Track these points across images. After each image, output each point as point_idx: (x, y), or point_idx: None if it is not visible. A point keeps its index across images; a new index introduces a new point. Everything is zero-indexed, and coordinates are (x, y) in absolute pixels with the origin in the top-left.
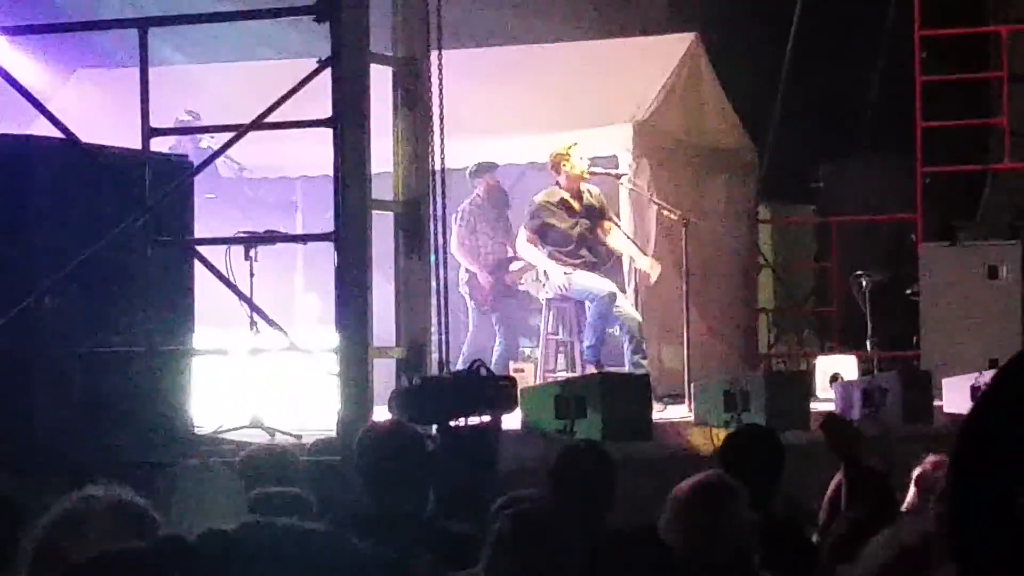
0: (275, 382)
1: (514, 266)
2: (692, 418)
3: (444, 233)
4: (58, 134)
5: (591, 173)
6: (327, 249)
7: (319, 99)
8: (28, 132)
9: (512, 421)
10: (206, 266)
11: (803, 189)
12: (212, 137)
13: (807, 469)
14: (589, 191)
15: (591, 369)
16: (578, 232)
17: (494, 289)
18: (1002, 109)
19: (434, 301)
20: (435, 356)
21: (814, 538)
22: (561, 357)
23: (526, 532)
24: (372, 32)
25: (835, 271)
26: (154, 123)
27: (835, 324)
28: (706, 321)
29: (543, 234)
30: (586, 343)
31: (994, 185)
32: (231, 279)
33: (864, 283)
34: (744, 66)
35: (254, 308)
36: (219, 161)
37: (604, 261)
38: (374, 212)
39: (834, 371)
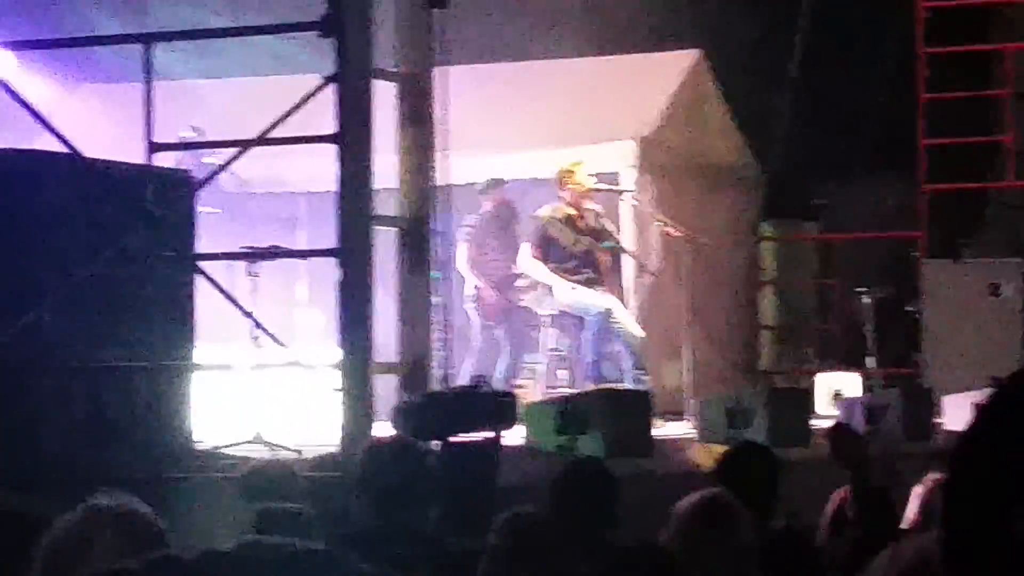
0: (277, 397)
1: (520, 283)
2: (694, 434)
3: (447, 249)
4: (62, 149)
5: (595, 190)
6: (330, 264)
7: (323, 115)
8: (32, 147)
9: (514, 437)
10: (209, 281)
11: (806, 206)
12: (215, 153)
13: (808, 486)
14: (593, 211)
15: (592, 385)
16: (581, 249)
17: (500, 304)
18: (1005, 127)
19: (436, 317)
20: (437, 372)
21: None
22: (563, 373)
23: (522, 544)
24: (376, 48)
25: (837, 288)
26: (157, 138)
27: (837, 341)
28: (708, 337)
29: (546, 249)
30: (587, 359)
31: (997, 203)
32: (233, 294)
33: (866, 300)
34: (748, 83)
35: (256, 323)
36: (222, 176)
37: (605, 278)
38: (377, 228)
39: (836, 388)
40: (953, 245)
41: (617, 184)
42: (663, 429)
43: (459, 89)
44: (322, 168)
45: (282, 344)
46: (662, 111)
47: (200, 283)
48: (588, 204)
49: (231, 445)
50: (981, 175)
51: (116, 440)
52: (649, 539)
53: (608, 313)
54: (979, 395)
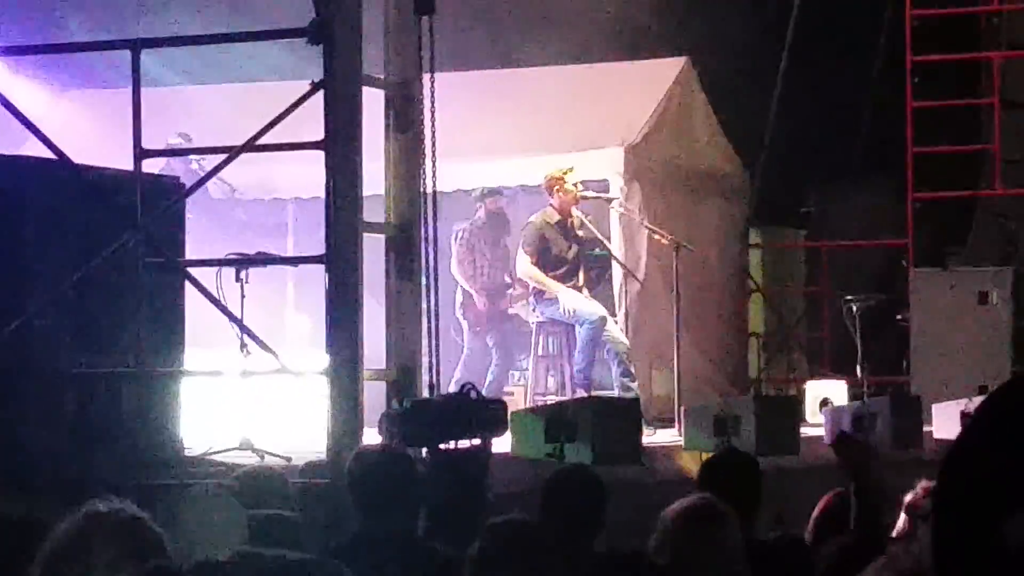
0: (265, 404)
1: (510, 291)
2: (682, 442)
3: (435, 256)
4: (50, 154)
5: (583, 197)
6: (318, 271)
7: (311, 121)
8: (19, 152)
9: (502, 444)
10: (197, 288)
11: (794, 214)
12: (203, 158)
13: (797, 493)
14: (579, 218)
15: (581, 392)
16: (571, 255)
17: (490, 313)
18: (993, 135)
19: (425, 324)
20: (425, 379)
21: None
22: (551, 380)
23: (507, 549)
24: (365, 55)
25: (825, 296)
26: (146, 144)
27: (825, 349)
28: (696, 345)
29: (543, 256)
30: (576, 367)
31: (985, 211)
32: (222, 300)
33: (854, 308)
34: (735, 91)
35: (244, 330)
36: (211, 182)
37: (594, 284)
38: (365, 234)
39: (824, 396)
40: (941, 253)
41: (605, 192)
42: (652, 437)
43: (447, 96)
44: (311, 174)
45: (271, 351)
46: (650, 119)
47: (189, 289)
48: (576, 211)
49: (220, 451)
50: (969, 183)
51: (105, 446)
52: (638, 546)
53: (603, 322)
54: (968, 403)
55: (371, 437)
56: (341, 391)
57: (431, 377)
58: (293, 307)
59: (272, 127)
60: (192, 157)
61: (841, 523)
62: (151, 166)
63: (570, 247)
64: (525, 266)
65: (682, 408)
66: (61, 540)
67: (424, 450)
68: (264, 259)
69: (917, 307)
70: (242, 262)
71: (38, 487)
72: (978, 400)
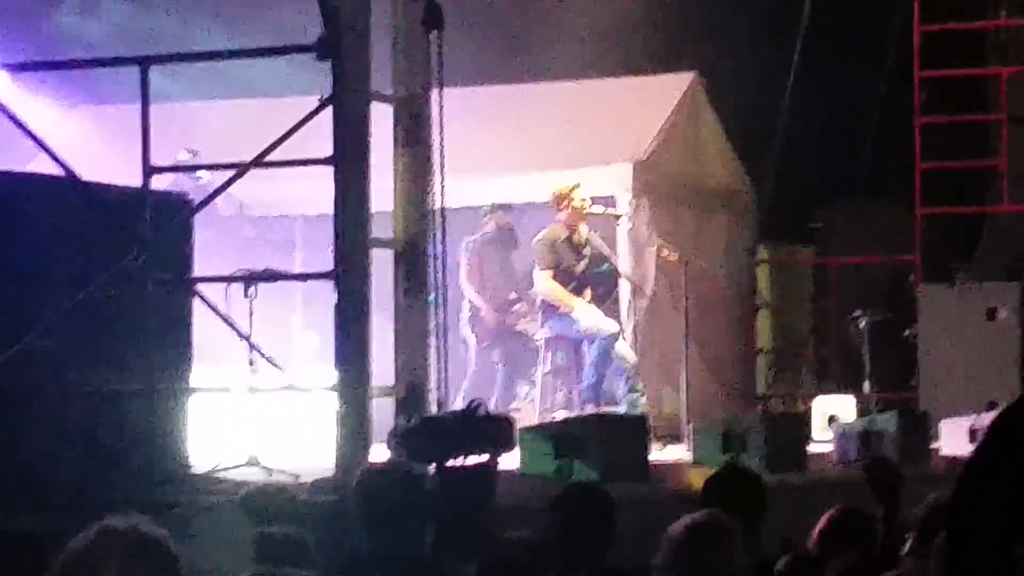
0: (273, 420)
1: (517, 307)
2: (690, 458)
3: (444, 272)
4: (58, 171)
5: (591, 213)
6: (326, 287)
7: (320, 137)
8: (28, 169)
9: (510, 461)
10: (205, 304)
11: (802, 230)
12: (212, 174)
13: (804, 510)
14: (586, 234)
15: (589, 408)
16: (580, 270)
17: (497, 328)
18: (1001, 151)
19: (433, 340)
20: (433, 395)
21: None
22: (559, 396)
23: (517, 568)
24: (373, 71)
25: (833, 312)
26: (154, 160)
27: (833, 365)
28: (704, 361)
29: (559, 271)
30: (585, 382)
31: (992, 227)
32: (230, 317)
33: (862, 324)
34: (743, 106)
35: (253, 346)
36: (219, 199)
37: (602, 301)
38: (373, 251)
39: (832, 412)
40: (949, 269)
41: (613, 207)
42: (660, 454)
43: (455, 112)
44: (319, 190)
45: (279, 367)
46: (658, 135)
47: (197, 306)
48: (583, 227)
49: (228, 468)
50: (977, 199)
51: (112, 463)
52: (643, 563)
53: (615, 338)
54: (976, 419)
55: (379, 453)
56: (349, 407)
57: (439, 393)
58: (301, 324)
59: (281, 143)
60: (200, 173)
61: (843, 540)
62: (159, 182)
63: (578, 263)
64: (545, 282)
65: (690, 424)
66: (73, 555)
67: (432, 467)
68: (272, 275)
69: (925, 323)
70: (250, 278)
71: (46, 505)
72: (987, 416)
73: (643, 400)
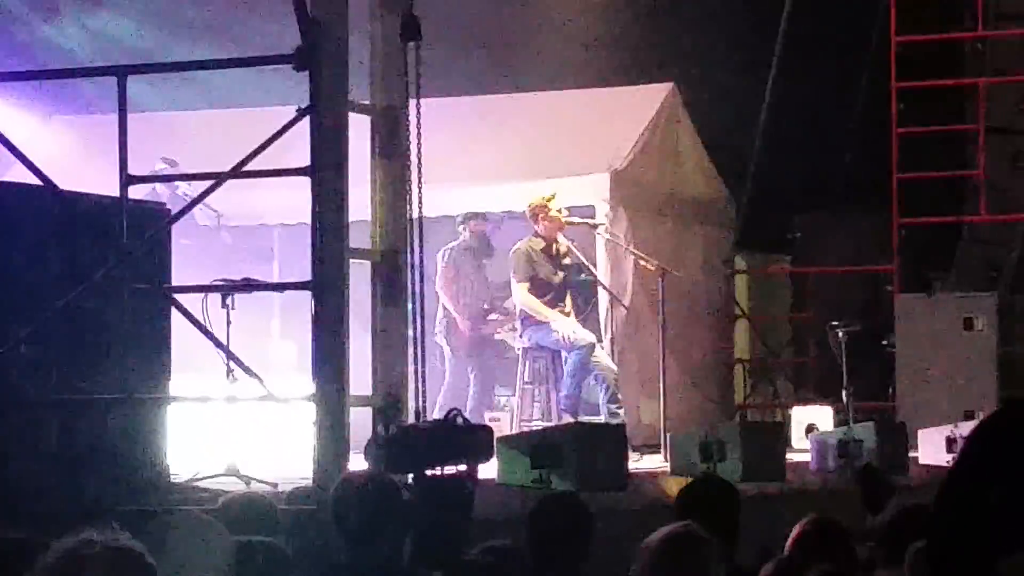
0: (251, 430)
1: (492, 317)
2: (668, 468)
3: (421, 282)
4: (36, 181)
5: (568, 223)
6: (304, 297)
7: (297, 147)
8: (5, 178)
9: (488, 471)
10: (183, 314)
11: (779, 240)
12: (189, 184)
13: (782, 519)
14: (564, 245)
15: (567, 418)
16: (558, 281)
17: (472, 337)
18: (977, 161)
19: (411, 350)
20: (411, 405)
21: None
22: (537, 406)
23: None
24: (351, 81)
25: (811, 322)
26: (132, 170)
27: (811, 374)
28: (683, 371)
29: (534, 283)
30: (563, 392)
31: (970, 237)
32: (208, 327)
33: (840, 334)
34: (721, 116)
35: (231, 356)
36: (197, 208)
37: (581, 311)
38: (351, 261)
39: (810, 421)
40: (926, 279)
41: (591, 218)
42: (638, 463)
43: (433, 122)
44: (296, 200)
45: (257, 377)
46: (635, 145)
47: (175, 316)
48: (562, 238)
49: (206, 478)
50: (954, 209)
51: (90, 473)
52: (622, 574)
53: (592, 348)
54: (953, 429)
55: (357, 463)
56: (327, 417)
57: (417, 403)
58: (279, 333)
59: (259, 153)
60: (178, 183)
61: (817, 549)
62: (137, 191)
63: (556, 273)
64: (521, 295)
65: (668, 434)
66: (50, 566)
67: (410, 476)
68: (250, 285)
69: (902, 333)
70: (228, 288)
71: (23, 514)
72: (964, 426)
73: (622, 411)
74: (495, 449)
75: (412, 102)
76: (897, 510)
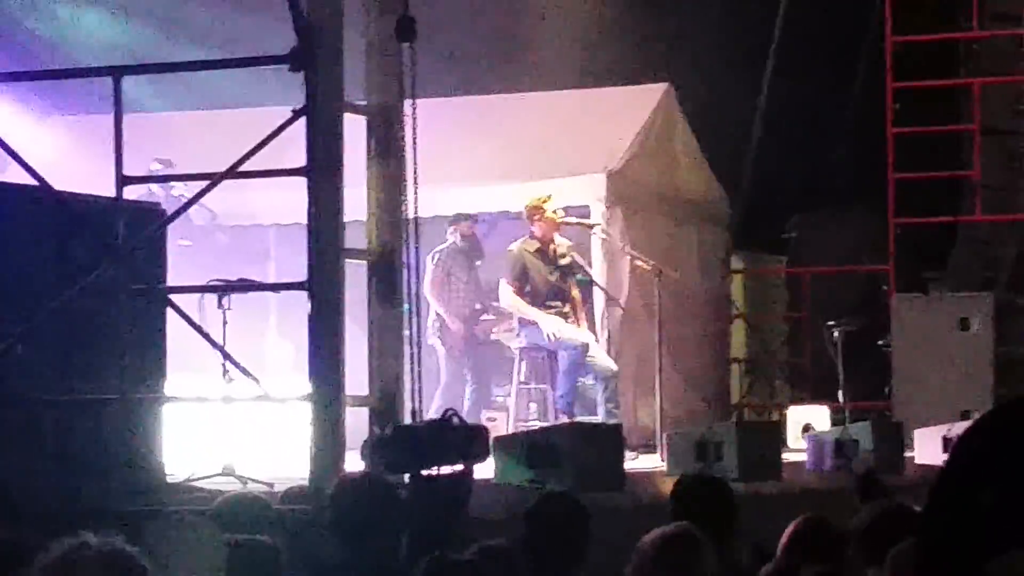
0: (248, 430)
1: (485, 317)
2: (665, 468)
3: (417, 282)
4: (31, 181)
5: (564, 223)
6: (300, 297)
7: (293, 148)
8: (0, 179)
9: (485, 470)
10: (179, 314)
11: (775, 240)
12: (185, 184)
13: (779, 519)
14: (562, 245)
15: (564, 418)
16: (552, 282)
17: (465, 338)
18: (973, 161)
19: (407, 350)
20: (408, 405)
21: None
22: (534, 406)
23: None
24: (346, 82)
25: (807, 322)
26: (128, 171)
27: (807, 374)
28: (678, 371)
29: (523, 284)
30: (559, 392)
31: (965, 237)
32: (204, 327)
33: (836, 334)
34: (717, 116)
35: (227, 356)
36: (192, 209)
37: (576, 312)
38: (347, 261)
39: (806, 421)
40: (922, 279)
41: (587, 218)
42: (634, 462)
43: (428, 122)
44: (292, 201)
45: (253, 377)
46: (631, 145)
47: (171, 316)
48: (558, 238)
49: (202, 478)
50: (950, 209)
51: (86, 474)
52: (618, 574)
53: (585, 348)
54: (950, 428)
55: (353, 463)
56: (323, 417)
57: (413, 403)
58: (275, 333)
59: (254, 154)
60: (174, 183)
61: (810, 550)
62: (133, 192)
63: (551, 273)
64: (508, 296)
65: (664, 434)
66: (46, 568)
67: (406, 476)
68: (246, 285)
69: (898, 333)
70: (224, 288)
71: (19, 515)
72: (960, 426)
73: (619, 412)
74: (491, 449)
75: (407, 102)
76: (875, 512)
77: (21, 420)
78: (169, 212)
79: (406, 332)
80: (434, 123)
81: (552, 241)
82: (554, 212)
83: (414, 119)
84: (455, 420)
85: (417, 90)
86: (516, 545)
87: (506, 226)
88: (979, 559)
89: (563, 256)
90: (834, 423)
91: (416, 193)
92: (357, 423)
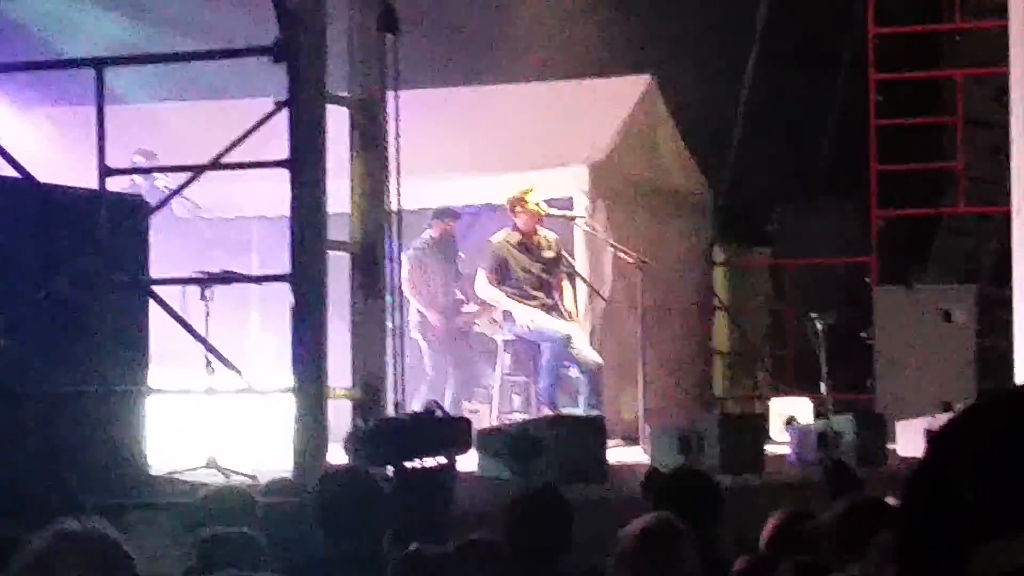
0: (231, 423)
1: (465, 309)
2: (647, 460)
3: (400, 274)
4: (13, 172)
5: (547, 215)
6: (283, 289)
7: (276, 139)
8: None
9: (467, 462)
10: (161, 306)
11: (758, 231)
12: (168, 176)
13: (762, 511)
14: (546, 237)
15: (546, 410)
16: (535, 274)
17: (446, 331)
18: (956, 153)
19: (390, 342)
20: (390, 397)
21: None
22: (517, 398)
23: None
24: (328, 73)
25: (790, 314)
26: (110, 162)
27: (790, 366)
28: (662, 363)
29: (502, 275)
30: (541, 384)
31: (948, 229)
32: (187, 319)
33: (819, 326)
34: (700, 108)
35: (209, 348)
36: (175, 201)
37: (560, 304)
38: (330, 253)
39: (789, 413)
40: (905, 271)
41: (570, 210)
42: (617, 455)
43: (411, 114)
44: (275, 193)
45: (236, 369)
46: (614, 137)
47: (153, 308)
48: (540, 230)
49: (186, 470)
50: (932, 201)
51: (69, 465)
52: (597, 565)
53: (567, 340)
54: (932, 421)
55: (336, 455)
56: (306, 409)
57: (396, 395)
58: (258, 326)
59: (237, 145)
60: (156, 175)
61: (791, 542)
62: (115, 183)
63: (532, 265)
64: (482, 285)
65: (646, 426)
66: (30, 558)
67: (389, 469)
68: (229, 278)
69: (881, 325)
70: (207, 281)
71: (1, 507)
72: (942, 418)
73: (602, 404)
74: (474, 441)
75: (390, 94)
76: (848, 505)
77: (4, 412)
78: (152, 204)
79: (389, 324)
80: (417, 115)
81: (535, 233)
82: (536, 204)
83: (396, 111)
84: (438, 412)
85: (400, 82)
86: (499, 538)
87: (489, 218)
88: (960, 550)
89: (548, 248)
90: (817, 415)
91: (399, 185)
92: (340, 415)
